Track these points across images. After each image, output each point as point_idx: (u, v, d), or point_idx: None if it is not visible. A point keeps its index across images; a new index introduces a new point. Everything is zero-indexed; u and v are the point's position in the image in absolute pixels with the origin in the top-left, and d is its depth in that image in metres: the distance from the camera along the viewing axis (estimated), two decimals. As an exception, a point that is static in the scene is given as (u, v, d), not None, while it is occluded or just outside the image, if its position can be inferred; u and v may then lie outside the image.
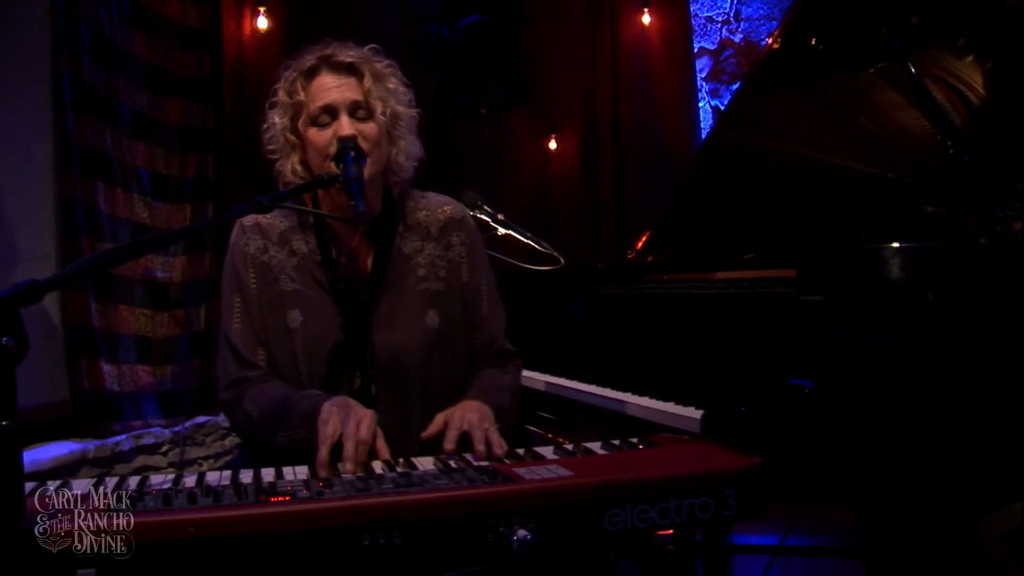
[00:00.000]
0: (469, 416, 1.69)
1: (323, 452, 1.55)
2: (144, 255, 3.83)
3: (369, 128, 1.80)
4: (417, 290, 1.89)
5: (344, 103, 1.79)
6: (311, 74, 1.83)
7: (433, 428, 1.71)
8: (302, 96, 1.82)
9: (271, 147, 1.89)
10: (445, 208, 1.98)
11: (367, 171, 1.75)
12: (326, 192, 1.85)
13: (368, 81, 1.81)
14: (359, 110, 1.81)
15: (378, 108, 1.81)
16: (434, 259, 1.93)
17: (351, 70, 1.82)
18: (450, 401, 1.85)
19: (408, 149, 1.90)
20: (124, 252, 1.46)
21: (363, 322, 1.84)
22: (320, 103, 1.79)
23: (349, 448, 1.55)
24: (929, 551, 1.81)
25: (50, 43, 3.68)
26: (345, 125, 1.78)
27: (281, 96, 1.85)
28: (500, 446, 1.63)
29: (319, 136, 1.79)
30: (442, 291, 1.92)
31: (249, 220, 1.89)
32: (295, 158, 1.86)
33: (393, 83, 1.87)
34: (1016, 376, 1.72)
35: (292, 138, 1.85)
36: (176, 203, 4.42)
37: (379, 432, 1.64)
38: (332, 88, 1.80)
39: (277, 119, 1.86)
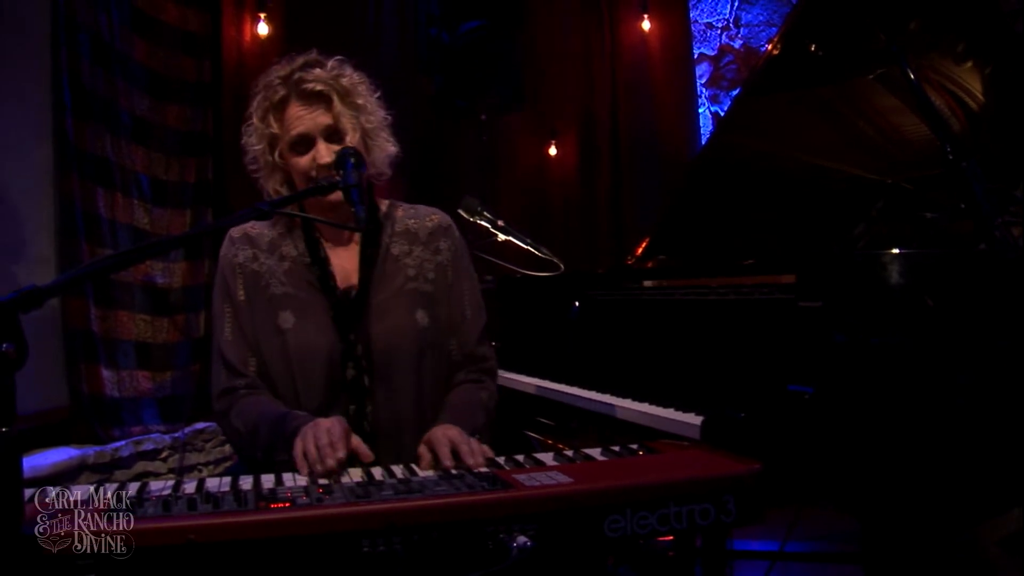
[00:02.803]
0: (449, 433, 1.69)
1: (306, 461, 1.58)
2: (144, 261, 3.83)
3: None
4: (407, 288, 1.93)
5: (318, 130, 1.85)
6: (281, 105, 1.86)
7: (424, 463, 1.68)
8: (276, 128, 1.87)
9: (253, 167, 1.94)
10: (433, 217, 2.03)
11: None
12: (315, 199, 1.87)
13: (337, 105, 1.85)
14: (333, 134, 1.86)
15: (348, 129, 1.86)
16: (423, 262, 1.97)
17: (319, 97, 1.85)
18: (440, 404, 1.92)
19: (383, 153, 1.96)
20: (124, 258, 1.46)
21: (355, 316, 1.87)
22: (295, 133, 1.84)
23: (312, 453, 1.58)
24: (928, 556, 1.81)
25: (50, 47, 3.68)
26: (323, 152, 1.83)
27: (256, 122, 1.89)
28: (486, 452, 1.64)
29: (300, 162, 1.86)
30: (431, 292, 1.96)
31: (237, 232, 1.94)
32: (276, 179, 1.92)
33: (362, 97, 1.91)
34: (1015, 382, 1.72)
35: (272, 160, 1.90)
36: (176, 208, 4.41)
37: (354, 436, 1.67)
38: (305, 118, 1.84)
39: (255, 142, 1.90)
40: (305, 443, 1.61)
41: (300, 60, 1.89)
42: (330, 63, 1.90)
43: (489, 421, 1.96)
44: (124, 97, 4.08)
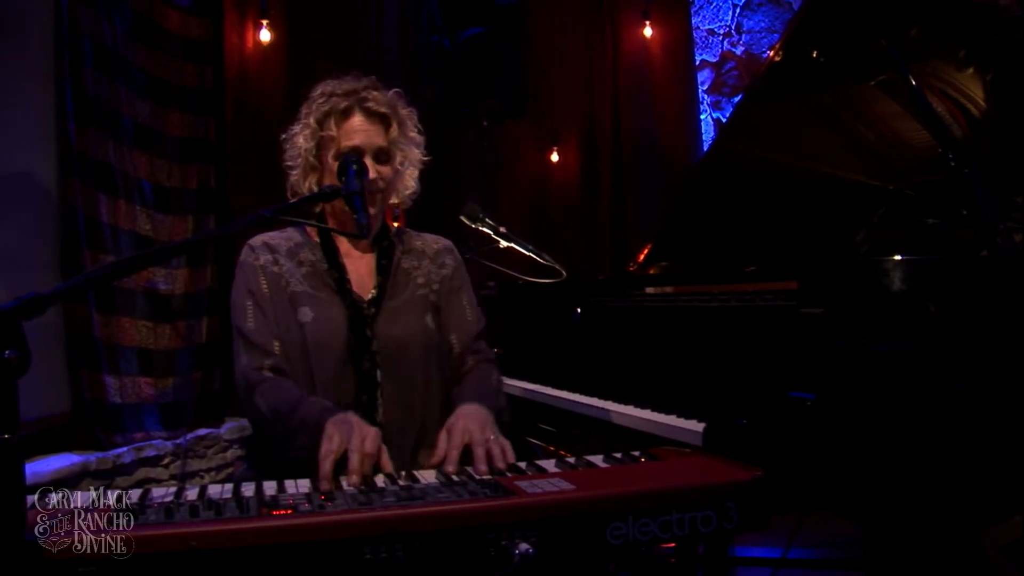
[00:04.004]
0: (470, 427, 1.72)
1: (326, 466, 1.57)
2: (146, 268, 3.84)
3: (387, 171, 2.00)
4: (417, 295, 2.05)
5: (371, 148, 1.97)
6: (345, 114, 1.97)
7: (440, 452, 1.71)
8: (333, 132, 1.97)
9: (290, 163, 2.04)
10: (439, 241, 2.19)
11: (376, 205, 1.96)
12: (332, 208, 2.02)
13: (394, 130, 2.01)
14: (382, 155, 1.99)
15: (397, 157, 2.02)
16: (430, 273, 2.10)
17: (382, 118, 1.99)
18: (447, 405, 1.96)
19: (409, 187, 2.12)
20: (127, 265, 1.46)
21: (370, 316, 1.96)
22: (350, 143, 1.95)
23: (355, 461, 1.57)
24: (931, 562, 1.81)
25: (53, 54, 3.69)
26: (369, 168, 1.93)
27: (311, 122, 1.99)
28: (502, 459, 1.65)
29: None
30: (436, 301, 2.08)
31: (257, 241, 2.02)
32: (312, 179, 2.02)
33: (413, 131, 2.07)
34: (1017, 388, 1.72)
35: (313, 161, 2.01)
36: (178, 215, 4.42)
37: (383, 448, 1.67)
38: (362, 131, 1.97)
39: (302, 141, 2.00)
40: (336, 441, 1.61)
41: (364, 81, 2.02)
42: (389, 92, 2.03)
43: (508, 405, 2.04)
44: (126, 103, 4.09)
